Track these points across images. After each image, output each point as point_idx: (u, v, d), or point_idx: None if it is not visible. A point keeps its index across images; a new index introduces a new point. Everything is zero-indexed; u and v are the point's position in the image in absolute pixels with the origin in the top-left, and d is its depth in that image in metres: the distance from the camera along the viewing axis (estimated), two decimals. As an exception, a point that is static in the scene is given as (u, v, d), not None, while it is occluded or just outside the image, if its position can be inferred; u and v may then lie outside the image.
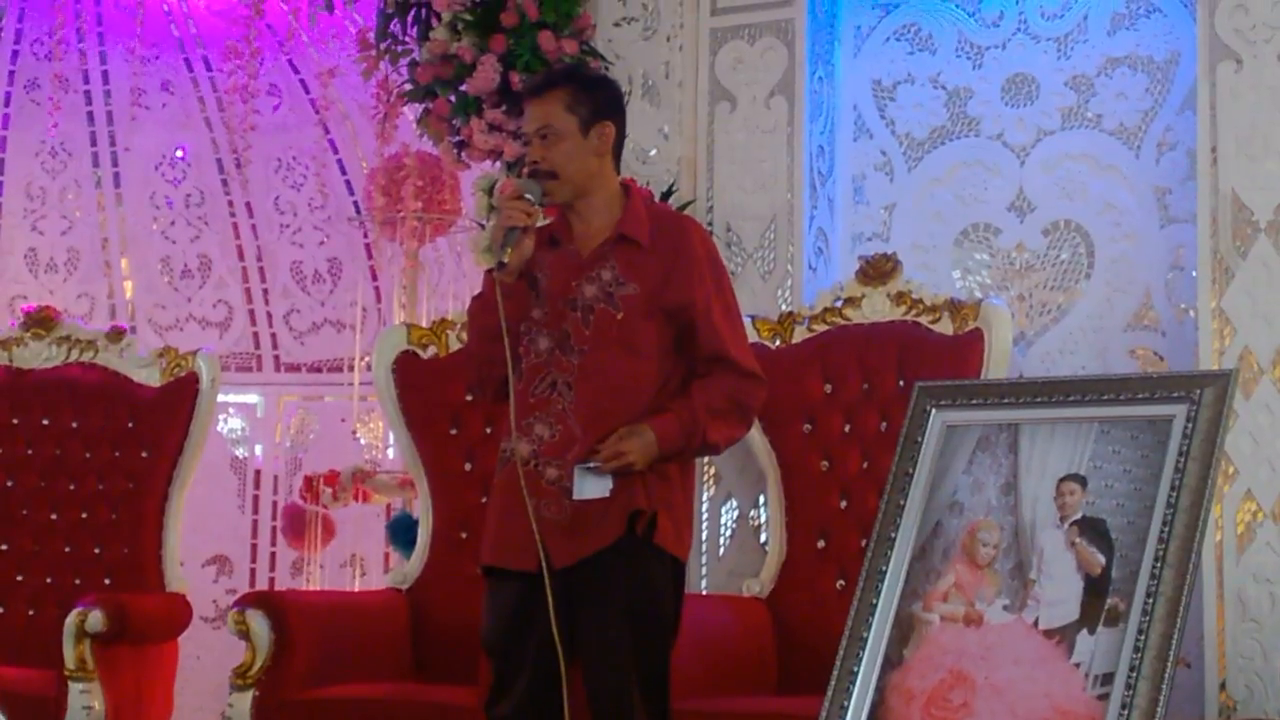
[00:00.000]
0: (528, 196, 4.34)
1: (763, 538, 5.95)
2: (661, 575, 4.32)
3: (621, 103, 4.54)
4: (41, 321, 6.81)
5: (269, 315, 8.64)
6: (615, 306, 4.34)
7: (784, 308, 6.06)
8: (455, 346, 6.16)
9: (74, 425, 6.62)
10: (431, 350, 6.19)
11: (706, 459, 6.07)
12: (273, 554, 8.38)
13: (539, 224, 4.41)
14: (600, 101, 4.44)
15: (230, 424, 8.51)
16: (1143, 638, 4.16)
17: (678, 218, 4.64)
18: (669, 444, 4.28)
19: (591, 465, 4.23)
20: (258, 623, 5.56)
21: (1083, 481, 4.43)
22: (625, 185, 4.52)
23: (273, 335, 8.63)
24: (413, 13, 6.74)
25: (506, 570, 4.36)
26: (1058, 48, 6.24)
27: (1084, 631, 4.26)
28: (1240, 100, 5.56)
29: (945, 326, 5.67)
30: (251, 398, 8.54)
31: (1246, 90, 5.56)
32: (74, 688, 5.83)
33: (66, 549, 6.50)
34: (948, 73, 6.39)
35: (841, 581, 5.54)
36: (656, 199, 6.14)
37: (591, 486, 4.24)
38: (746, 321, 5.83)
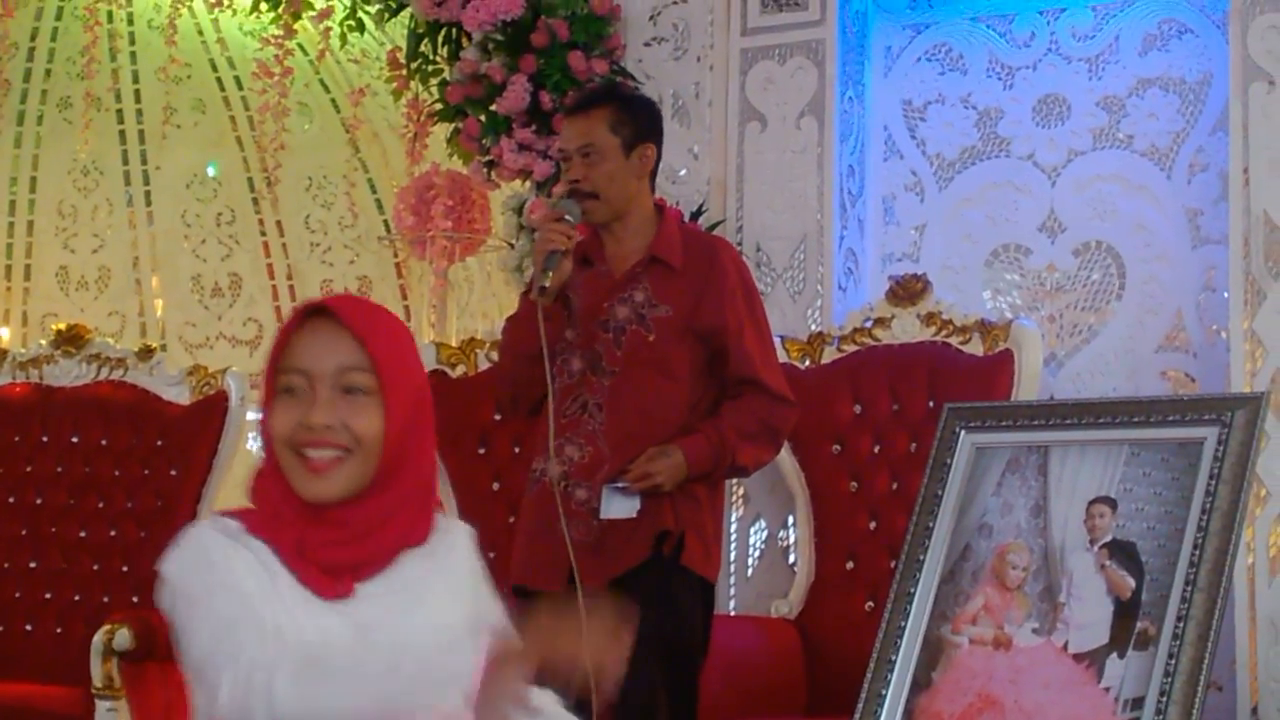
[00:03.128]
0: (567, 218, 4.32)
1: (791, 559, 5.93)
2: (689, 597, 4.31)
3: (661, 124, 4.54)
4: (72, 339, 6.82)
5: (299, 334, 8.65)
6: (648, 328, 4.33)
7: (813, 328, 6.04)
8: (484, 366, 6.15)
9: (103, 443, 6.62)
10: (460, 369, 6.19)
11: (736, 480, 6.06)
12: (300, 572, 8.37)
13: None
14: (643, 122, 4.43)
15: (259, 442, 8.52)
16: (1173, 661, 4.13)
17: (711, 240, 4.64)
18: (698, 465, 4.27)
19: (619, 485, 4.23)
20: (284, 640, 5.55)
21: (1113, 504, 4.41)
22: (659, 206, 4.51)
23: (303, 354, 8.64)
24: (443, 33, 6.75)
25: (536, 590, 4.35)
26: (1089, 68, 6.22)
27: (1114, 655, 4.24)
28: (1273, 121, 5.54)
29: (975, 347, 5.65)
30: (281, 416, 8.54)
31: (1278, 111, 5.54)
32: (101, 706, 5.82)
33: (95, 566, 6.49)
34: (978, 93, 6.37)
35: (870, 603, 5.51)
36: (686, 219, 6.14)
37: (619, 506, 4.24)
38: (776, 342, 5.84)
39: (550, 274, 4.26)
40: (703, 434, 4.30)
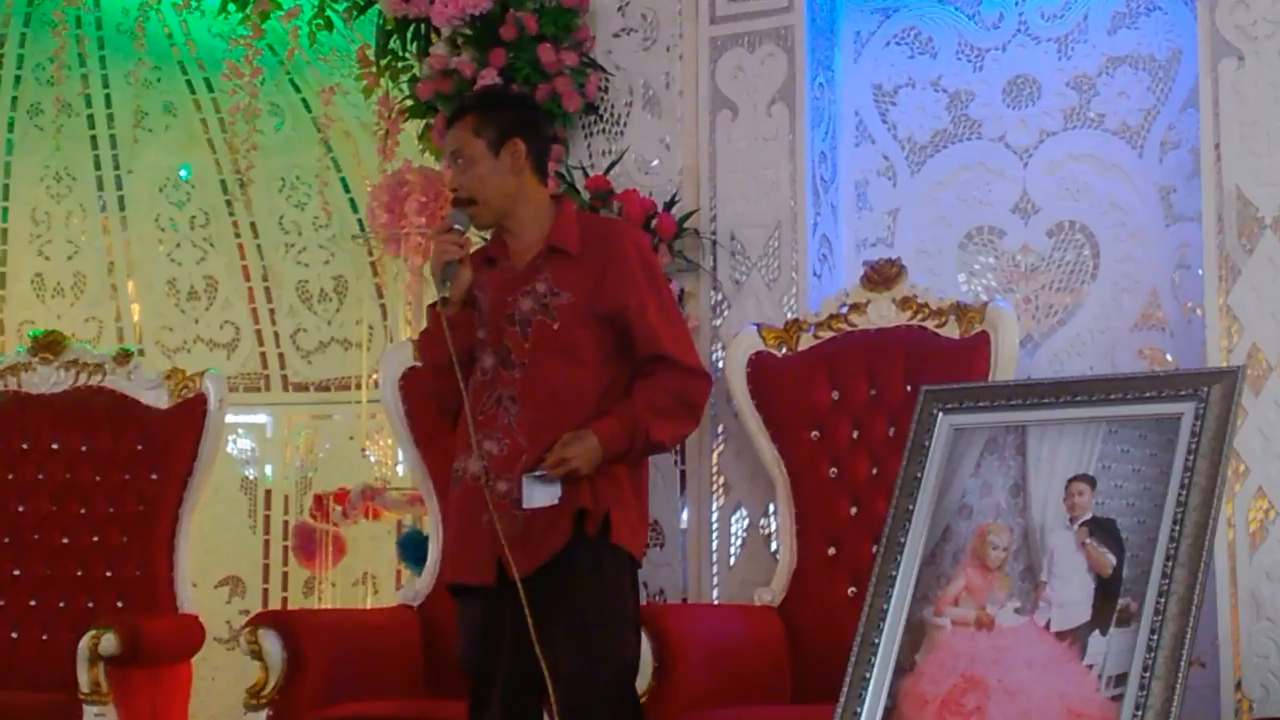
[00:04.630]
0: (456, 227, 4.46)
1: (773, 546, 5.94)
2: (620, 573, 4.39)
3: (533, 117, 4.64)
4: (49, 346, 6.81)
5: (276, 335, 8.65)
6: (552, 316, 4.42)
7: (789, 315, 6.05)
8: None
9: (83, 449, 6.61)
10: (437, 366, 6.18)
11: (716, 469, 6.07)
12: (284, 573, 8.39)
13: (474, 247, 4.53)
14: (507, 120, 4.51)
15: (240, 444, 8.52)
16: (1155, 638, 4.14)
17: (608, 224, 4.74)
18: (612, 446, 4.35)
19: (538, 474, 4.30)
20: (270, 642, 5.56)
21: (1092, 482, 4.42)
22: (556, 197, 4.58)
23: (280, 355, 8.64)
24: (412, 29, 6.74)
25: (469, 586, 4.43)
26: (1058, 48, 6.23)
27: (1096, 632, 4.25)
28: (1243, 96, 5.55)
29: (951, 330, 5.66)
30: (260, 418, 8.55)
31: (1249, 86, 5.55)
32: (89, 711, 5.83)
33: (78, 572, 6.50)
34: (948, 76, 6.37)
35: (853, 588, 5.52)
36: (660, 209, 6.14)
37: (540, 494, 4.32)
38: (752, 329, 5.86)
39: (449, 284, 4.41)
40: (614, 415, 4.39)
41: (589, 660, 4.30)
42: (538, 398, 4.38)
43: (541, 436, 4.35)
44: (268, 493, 8.50)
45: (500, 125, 4.47)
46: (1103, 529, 4.35)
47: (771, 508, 5.96)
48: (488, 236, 4.72)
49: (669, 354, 4.43)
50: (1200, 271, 5.68)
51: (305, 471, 8.43)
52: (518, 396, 4.40)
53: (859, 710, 4.46)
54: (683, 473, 6.14)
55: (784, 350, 5.88)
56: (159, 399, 6.56)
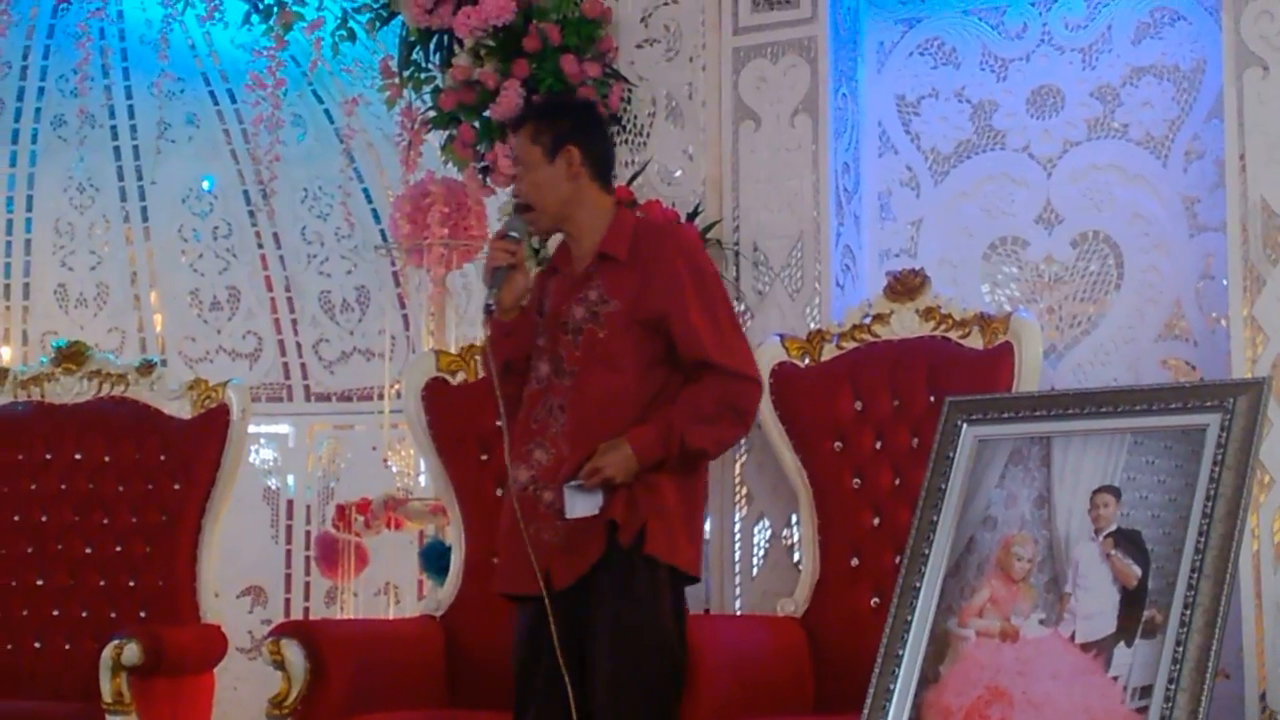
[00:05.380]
0: (512, 234, 4.49)
1: (796, 557, 5.93)
2: (652, 586, 4.33)
3: (589, 123, 4.65)
4: (72, 356, 6.82)
5: (298, 345, 8.67)
6: (600, 325, 4.42)
7: (812, 326, 6.04)
8: (483, 373, 6.16)
9: (106, 459, 6.62)
10: (461, 376, 6.19)
11: (739, 480, 6.06)
12: (307, 583, 8.39)
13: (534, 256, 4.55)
14: (563, 127, 4.53)
15: (262, 455, 8.53)
16: (1181, 649, 4.13)
17: (659, 229, 4.69)
18: (647, 454, 4.32)
19: (576, 483, 4.28)
20: (293, 652, 5.56)
21: (1117, 493, 4.41)
22: (618, 202, 4.58)
23: (302, 365, 8.66)
24: (435, 40, 6.75)
25: (520, 595, 4.44)
26: (1082, 58, 6.22)
27: (1121, 644, 4.24)
28: (1268, 106, 5.54)
29: (975, 341, 5.65)
30: (282, 428, 8.55)
31: (1273, 96, 5.53)
32: (111, 721, 5.84)
33: (101, 582, 6.50)
34: (972, 86, 6.37)
35: (876, 599, 5.51)
36: (682, 219, 6.14)
37: (581, 504, 4.31)
38: (775, 340, 5.84)
39: (495, 290, 4.45)
40: (651, 423, 4.37)
41: (619, 675, 4.27)
42: (584, 407, 4.38)
43: (584, 446, 4.35)
44: (290, 503, 8.51)
45: (555, 132, 4.50)
46: (1128, 540, 4.34)
47: (794, 518, 5.95)
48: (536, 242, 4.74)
49: (712, 359, 4.40)
50: (1225, 282, 5.67)
51: (327, 481, 8.44)
52: (566, 406, 4.40)
53: (883, 721, 4.46)
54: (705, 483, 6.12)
55: (807, 361, 5.87)
56: (182, 409, 6.56)
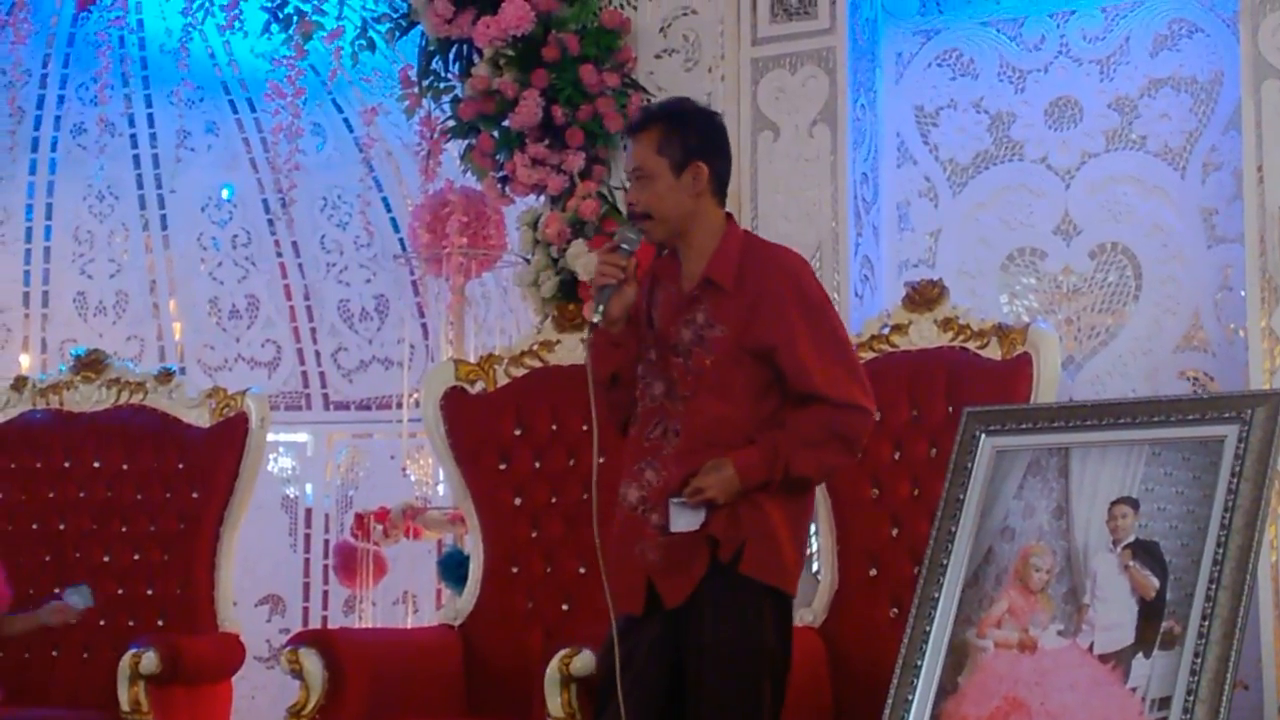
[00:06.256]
0: (624, 247, 4.34)
1: (815, 567, 5.93)
2: (753, 605, 4.28)
3: (718, 139, 4.48)
4: (91, 364, 6.84)
5: (317, 354, 8.68)
6: (707, 350, 4.32)
7: (831, 336, 6.03)
8: (503, 381, 6.17)
9: (125, 467, 6.64)
10: (479, 385, 6.20)
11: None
12: (325, 592, 8.39)
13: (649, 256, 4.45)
14: (693, 141, 4.39)
15: (280, 463, 8.53)
16: (1199, 660, 4.13)
17: (767, 257, 4.49)
18: (750, 476, 4.24)
19: (680, 500, 4.24)
20: (311, 661, 5.57)
21: (1135, 504, 4.41)
22: (728, 215, 4.49)
23: (321, 374, 8.67)
24: (454, 49, 6.77)
25: (623, 615, 4.34)
26: (1100, 70, 6.22)
27: (1139, 655, 4.24)
28: (1285, 118, 5.54)
29: (993, 351, 5.65)
30: (301, 436, 8.56)
31: (1291, 108, 5.54)
32: (129, 729, 5.86)
33: (119, 591, 6.51)
34: (990, 97, 6.38)
35: (895, 609, 5.51)
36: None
37: (684, 520, 4.24)
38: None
39: (601, 307, 4.31)
40: (757, 445, 4.28)
41: (719, 692, 4.23)
42: (695, 433, 4.31)
43: (690, 469, 4.27)
44: (308, 511, 8.51)
45: (685, 146, 4.37)
46: (1146, 551, 4.34)
47: (813, 528, 5.95)
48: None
49: (819, 391, 4.29)
50: (1242, 293, 5.68)
51: (346, 490, 8.45)
52: (681, 430, 4.32)
53: (901, 732, 4.46)
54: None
55: (824, 371, 5.86)
56: (200, 418, 6.57)
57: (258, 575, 8.26)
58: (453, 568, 6.76)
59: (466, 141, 6.75)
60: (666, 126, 4.39)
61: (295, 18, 7.73)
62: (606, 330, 4.37)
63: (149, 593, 6.49)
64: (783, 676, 4.34)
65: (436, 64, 6.85)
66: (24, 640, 6.14)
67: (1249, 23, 5.62)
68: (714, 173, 4.40)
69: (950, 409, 5.54)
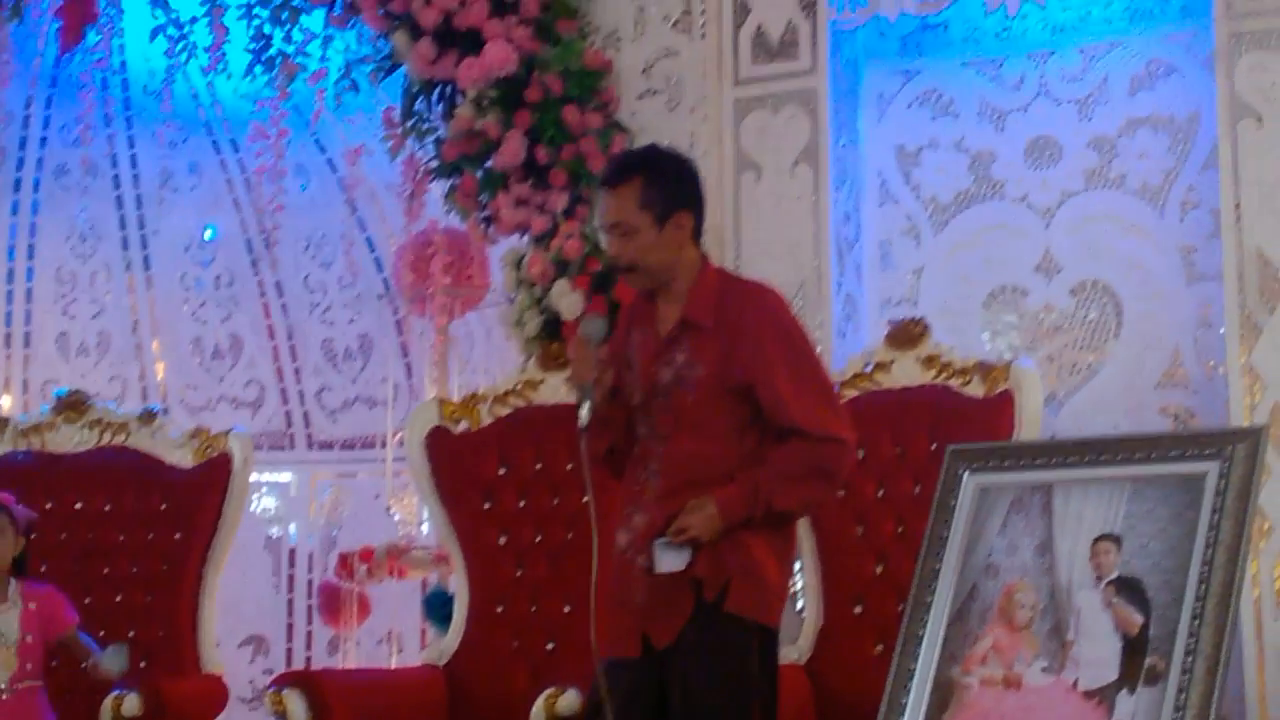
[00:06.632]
0: (592, 339, 4.34)
1: (799, 604, 5.94)
2: (739, 643, 4.29)
3: (697, 186, 4.46)
4: (73, 405, 6.82)
5: (301, 394, 8.68)
6: (688, 389, 4.32)
7: (814, 374, 6.05)
8: (487, 421, 6.17)
9: (107, 508, 6.61)
10: (463, 425, 6.21)
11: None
12: (309, 632, 8.38)
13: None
14: (674, 192, 4.38)
15: (264, 503, 8.53)
16: (1183, 696, 4.14)
17: (743, 294, 4.49)
18: (731, 513, 4.25)
19: (664, 540, 4.24)
20: (295, 703, 5.55)
21: (1118, 541, 4.42)
22: (703, 255, 4.49)
23: (305, 413, 8.67)
24: (438, 90, 6.80)
25: (618, 658, 4.35)
26: (1079, 110, 6.27)
27: (1124, 691, 4.25)
28: (1262, 157, 5.58)
29: (976, 389, 5.67)
30: (285, 476, 8.56)
31: (1268, 147, 5.59)
32: (112, 772, 5.83)
33: (101, 633, 6.45)
34: (971, 137, 6.42)
35: (880, 646, 5.52)
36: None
37: (669, 561, 4.24)
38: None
39: (589, 404, 4.30)
40: (737, 483, 4.29)
41: None
42: (676, 473, 4.32)
43: (673, 510, 4.28)
44: (292, 551, 8.50)
45: (666, 199, 4.35)
46: (1129, 588, 4.35)
47: (798, 565, 5.96)
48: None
49: (798, 426, 4.29)
50: (1222, 330, 5.71)
51: (330, 530, 8.44)
52: (660, 470, 4.34)
53: (887, 769, 4.47)
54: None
55: (808, 409, 5.88)
56: (183, 458, 6.55)
57: (241, 616, 8.24)
58: (437, 607, 6.76)
59: (450, 181, 6.77)
60: (646, 179, 4.37)
61: (279, 59, 7.74)
62: (582, 437, 4.33)
63: (131, 634, 6.44)
64: (769, 714, 4.34)
65: (420, 105, 6.87)
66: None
67: (1225, 63, 5.67)
68: (696, 221, 4.42)
69: (933, 446, 5.56)
